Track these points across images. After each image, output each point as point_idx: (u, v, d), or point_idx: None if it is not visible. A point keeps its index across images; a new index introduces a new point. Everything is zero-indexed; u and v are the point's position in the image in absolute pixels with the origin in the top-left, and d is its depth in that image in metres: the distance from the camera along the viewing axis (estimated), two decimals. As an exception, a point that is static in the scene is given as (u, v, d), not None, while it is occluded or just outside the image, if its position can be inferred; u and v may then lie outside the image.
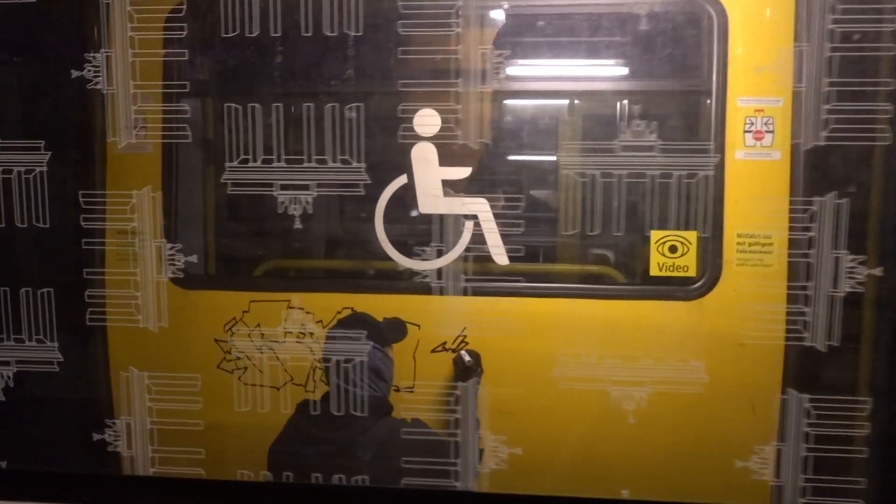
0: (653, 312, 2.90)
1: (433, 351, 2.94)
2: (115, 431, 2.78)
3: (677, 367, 2.78)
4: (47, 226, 2.73)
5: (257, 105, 2.72)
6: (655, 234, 2.85)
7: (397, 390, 2.83)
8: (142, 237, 2.79)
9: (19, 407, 2.89)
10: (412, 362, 2.93)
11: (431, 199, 2.93)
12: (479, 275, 3.06)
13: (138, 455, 2.74)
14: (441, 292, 2.94)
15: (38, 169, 2.70)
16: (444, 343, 2.93)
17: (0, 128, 3.09)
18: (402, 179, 2.95)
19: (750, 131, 2.79)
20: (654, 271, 2.85)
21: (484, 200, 2.92)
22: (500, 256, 2.91)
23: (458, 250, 2.95)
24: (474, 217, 2.92)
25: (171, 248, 2.79)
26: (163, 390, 2.77)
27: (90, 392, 3.15)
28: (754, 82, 2.78)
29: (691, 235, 2.84)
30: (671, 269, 2.84)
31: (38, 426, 3.09)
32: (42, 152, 2.69)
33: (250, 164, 2.74)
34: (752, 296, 2.78)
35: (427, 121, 2.93)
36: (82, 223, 2.75)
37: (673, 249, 2.84)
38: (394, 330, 2.65)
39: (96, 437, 2.78)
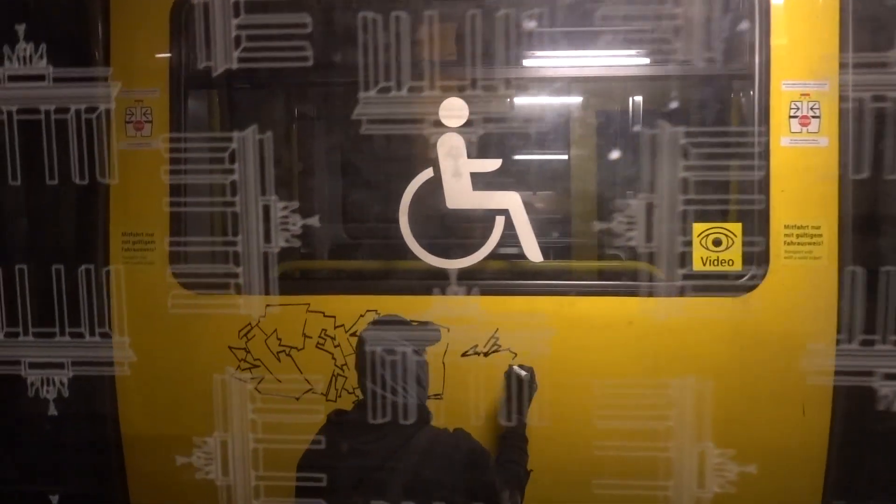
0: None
1: (464, 355, 2.76)
2: (207, 453, 2.36)
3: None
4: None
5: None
6: (698, 227, 2.70)
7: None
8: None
9: (75, 424, 2.57)
10: (441, 367, 2.75)
11: (459, 194, 2.76)
12: (509, 273, 2.91)
13: (237, 484, 2.30)
14: (470, 292, 2.78)
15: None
16: (476, 346, 2.76)
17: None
18: (427, 173, 2.79)
19: (795, 117, 2.65)
20: (697, 266, 2.69)
21: (516, 194, 2.77)
22: (534, 253, 2.75)
23: (489, 248, 2.79)
24: (505, 212, 2.76)
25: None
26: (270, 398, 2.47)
27: (171, 400, 2.81)
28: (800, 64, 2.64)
29: (736, 227, 2.69)
30: (716, 263, 2.69)
31: (101, 448, 2.77)
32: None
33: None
34: (801, 290, 2.63)
35: (454, 111, 2.77)
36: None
37: (717, 242, 2.69)
38: (426, 333, 2.46)
39: (180, 460, 2.39)
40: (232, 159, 2.49)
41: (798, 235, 2.64)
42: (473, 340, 2.75)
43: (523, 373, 2.64)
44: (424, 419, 2.24)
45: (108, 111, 2.64)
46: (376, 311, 2.76)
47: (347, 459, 2.15)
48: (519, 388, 2.62)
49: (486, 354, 2.76)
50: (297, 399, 2.82)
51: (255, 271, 2.46)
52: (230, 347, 2.83)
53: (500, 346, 2.75)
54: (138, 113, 2.78)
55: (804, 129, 2.65)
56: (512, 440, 2.54)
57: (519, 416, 2.61)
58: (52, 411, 2.52)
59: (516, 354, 2.73)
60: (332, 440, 2.22)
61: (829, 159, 2.64)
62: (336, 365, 2.82)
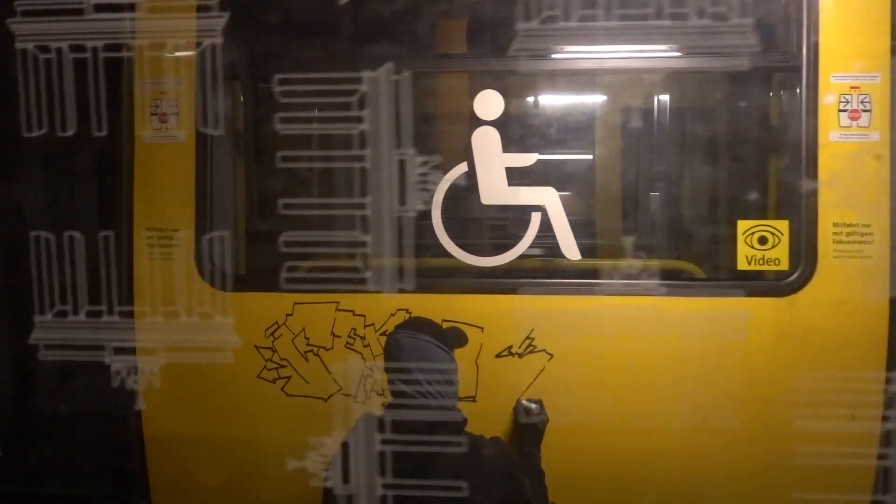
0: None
1: (498, 356, 2.67)
2: (326, 455, 2.08)
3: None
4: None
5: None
6: (743, 225, 2.60)
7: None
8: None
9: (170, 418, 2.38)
10: (474, 369, 2.67)
11: (494, 189, 2.67)
12: (546, 271, 2.82)
13: (361, 493, 2.00)
14: (504, 291, 2.70)
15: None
16: (511, 346, 2.66)
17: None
18: (461, 167, 2.70)
19: (845, 110, 2.55)
20: (741, 265, 2.60)
21: (552, 189, 2.68)
22: (571, 251, 2.66)
23: (524, 245, 2.70)
24: (541, 208, 2.67)
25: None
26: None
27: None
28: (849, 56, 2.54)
29: (782, 225, 2.59)
30: (761, 262, 2.59)
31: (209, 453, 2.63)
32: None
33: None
34: (851, 291, 2.53)
35: (489, 103, 2.68)
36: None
37: (763, 241, 2.59)
38: (455, 336, 2.37)
39: (292, 464, 2.15)
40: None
41: (848, 234, 2.54)
42: (508, 341, 2.66)
43: (533, 406, 2.55)
44: (459, 424, 2.14)
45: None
46: (407, 310, 2.68)
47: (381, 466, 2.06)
48: (530, 422, 2.53)
49: (520, 355, 2.67)
50: (325, 400, 2.74)
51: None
52: (256, 347, 2.75)
53: (535, 346, 2.66)
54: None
55: (854, 123, 2.55)
56: (527, 471, 2.44)
57: (533, 449, 2.52)
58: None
59: (552, 356, 2.64)
60: (362, 443, 2.13)
61: (880, 155, 2.53)
62: (365, 365, 2.73)
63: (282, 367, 2.75)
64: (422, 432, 2.05)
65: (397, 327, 2.32)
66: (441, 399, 2.17)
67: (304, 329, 2.73)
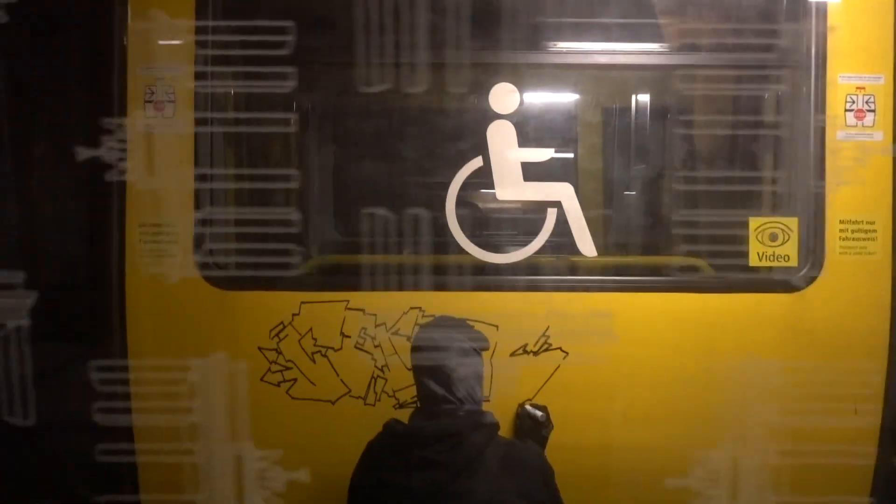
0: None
1: (513, 354, 2.62)
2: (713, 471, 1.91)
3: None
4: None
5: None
6: (754, 222, 2.63)
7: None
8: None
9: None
10: (489, 368, 2.61)
11: (510, 185, 2.62)
12: (561, 268, 2.79)
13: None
14: (519, 288, 2.65)
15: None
16: (525, 345, 2.62)
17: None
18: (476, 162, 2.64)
19: (851, 110, 2.61)
20: (753, 261, 2.63)
21: (569, 185, 2.65)
22: (587, 248, 2.64)
23: (539, 241, 2.66)
24: (557, 204, 2.64)
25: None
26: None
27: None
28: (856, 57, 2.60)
29: (792, 222, 2.64)
30: (771, 258, 2.63)
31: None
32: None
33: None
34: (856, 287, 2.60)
35: (505, 96, 2.63)
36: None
37: (773, 237, 2.63)
38: (483, 337, 2.31)
39: (672, 483, 1.96)
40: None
41: (853, 231, 2.61)
42: (523, 339, 2.62)
43: (539, 413, 2.52)
44: (494, 428, 2.08)
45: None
46: (420, 308, 2.61)
47: (417, 472, 1.97)
48: (535, 429, 2.49)
49: (535, 353, 2.63)
50: (333, 403, 2.64)
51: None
52: (260, 348, 2.62)
53: (550, 344, 2.62)
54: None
55: (859, 122, 2.61)
56: None
57: None
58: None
59: (567, 353, 2.62)
60: (396, 451, 2.03)
61: (884, 154, 2.61)
62: (376, 366, 2.64)
63: (287, 368, 2.63)
64: (454, 437, 1.98)
65: (425, 326, 2.24)
66: (472, 404, 2.11)
67: (311, 329, 2.62)
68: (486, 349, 2.29)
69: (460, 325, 2.24)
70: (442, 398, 2.06)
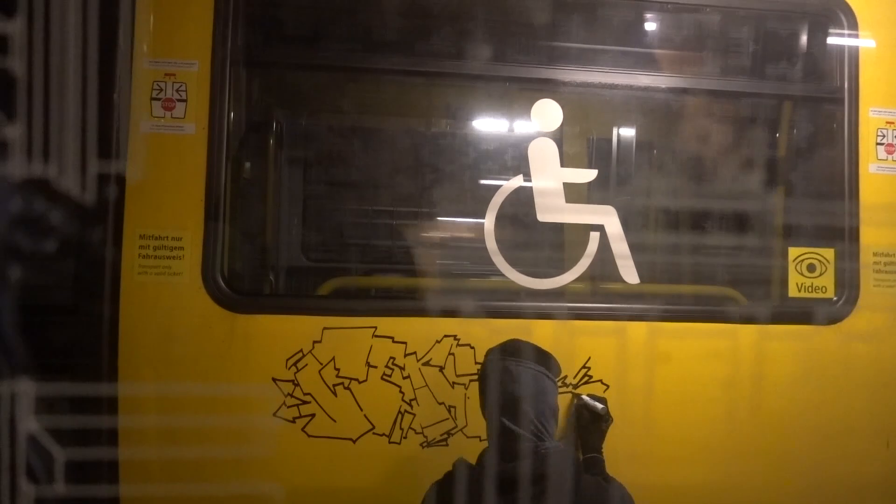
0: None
1: (552, 387, 2.43)
2: None
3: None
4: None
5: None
6: (793, 252, 2.59)
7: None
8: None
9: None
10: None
11: (552, 206, 2.48)
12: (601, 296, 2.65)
13: None
14: (558, 316, 2.49)
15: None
16: (565, 377, 2.45)
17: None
18: (517, 180, 2.48)
19: (882, 144, 2.63)
20: (792, 292, 2.58)
21: (612, 208, 2.52)
22: (630, 274, 2.51)
23: (581, 267, 2.51)
24: (600, 227, 2.51)
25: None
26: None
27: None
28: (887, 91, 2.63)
29: (829, 253, 2.61)
30: (809, 289, 2.59)
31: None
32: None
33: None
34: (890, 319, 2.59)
35: (547, 113, 2.50)
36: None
37: (811, 268, 2.59)
38: (556, 364, 2.11)
39: None
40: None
41: (886, 263, 2.61)
42: (563, 370, 2.44)
43: (599, 406, 2.37)
44: (580, 467, 1.88)
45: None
46: (455, 336, 2.40)
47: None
48: (594, 423, 2.34)
49: (575, 387, 2.46)
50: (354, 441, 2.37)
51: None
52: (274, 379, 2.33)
53: (591, 376, 2.46)
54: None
55: (890, 156, 2.64)
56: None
57: (596, 453, 2.33)
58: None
59: (608, 386, 2.46)
60: (475, 496, 1.78)
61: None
62: (403, 400, 2.40)
63: (305, 403, 2.34)
64: (544, 481, 1.77)
65: (497, 350, 2.02)
66: (549, 440, 1.90)
67: (333, 358, 2.35)
68: (558, 376, 2.09)
69: (535, 350, 2.02)
70: (519, 436, 1.85)
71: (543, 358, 1.98)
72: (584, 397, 2.38)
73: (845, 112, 2.62)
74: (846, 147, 2.61)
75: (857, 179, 2.61)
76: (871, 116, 2.63)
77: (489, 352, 2.02)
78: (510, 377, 1.89)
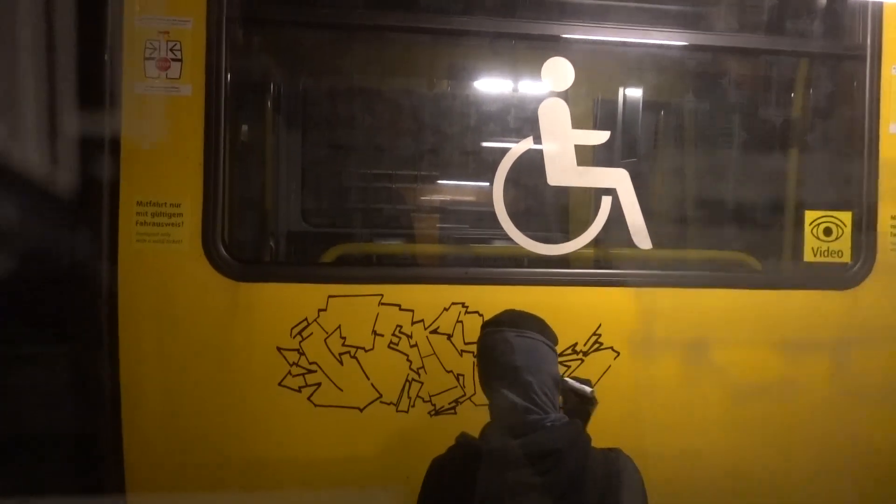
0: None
1: (561, 354, 2.39)
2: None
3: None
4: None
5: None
6: (810, 215, 2.52)
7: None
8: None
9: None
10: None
11: (562, 169, 2.40)
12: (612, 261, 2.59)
13: None
14: (569, 283, 2.43)
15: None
16: (575, 345, 2.40)
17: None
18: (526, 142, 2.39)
19: (895, 103, 2.54)
20: (808, 256, 2.51)
21: (624, 171, 2.45)
22: (643, 240, 2.45)
23: (592, 233, 2.45)
24: (612, 191, 2.43)
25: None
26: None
27: None
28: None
29: (846, 216, 2.54)
30: (826, 254, 2.53)
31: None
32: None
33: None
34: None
35: (558, 72, 2.40)
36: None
37: (828, 232, 2.52)
38: (554, 334, 2.05)
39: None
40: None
41: (878, 225, 2.54)
42: (572, 338, 2.40)
43: (588, 389, 2.29)
44: (589, 439, 1.83)
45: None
46: (463, 303, 2.34)
47: (512, 498, 1.69)
48: (580, 405, 2.27)
49: (586, 354, 2.41)
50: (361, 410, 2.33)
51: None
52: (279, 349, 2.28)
53: (601, 343, 2.41)
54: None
55: (905, 115, 2.55)
56: None
57: None
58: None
59: (619, 353, 2.42)
60: (479, 473, 1.73)
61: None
62: (411, 368, 2.35)
63: (310, 372, 2.30)
64: (553, 455, 1.72)
65: (492, 322, 1.96)
66: (554, 411, 1.85)
67: (339, 327, 2.30)
68: (556, 343, 2.03)
69: (535, 320, 1.96)
70: (523, 408, 1.80)
71: (540, 325, 1.91)
72: (570, 380, 2.29)
73: (867, 70, 2.52)
74: (867, 106, 2.52)
75: (878, 140, 2.52)
76: (893, 74, 2.54)
77: (484, 325, 1.96)
78: (509, 347, 1.82)
